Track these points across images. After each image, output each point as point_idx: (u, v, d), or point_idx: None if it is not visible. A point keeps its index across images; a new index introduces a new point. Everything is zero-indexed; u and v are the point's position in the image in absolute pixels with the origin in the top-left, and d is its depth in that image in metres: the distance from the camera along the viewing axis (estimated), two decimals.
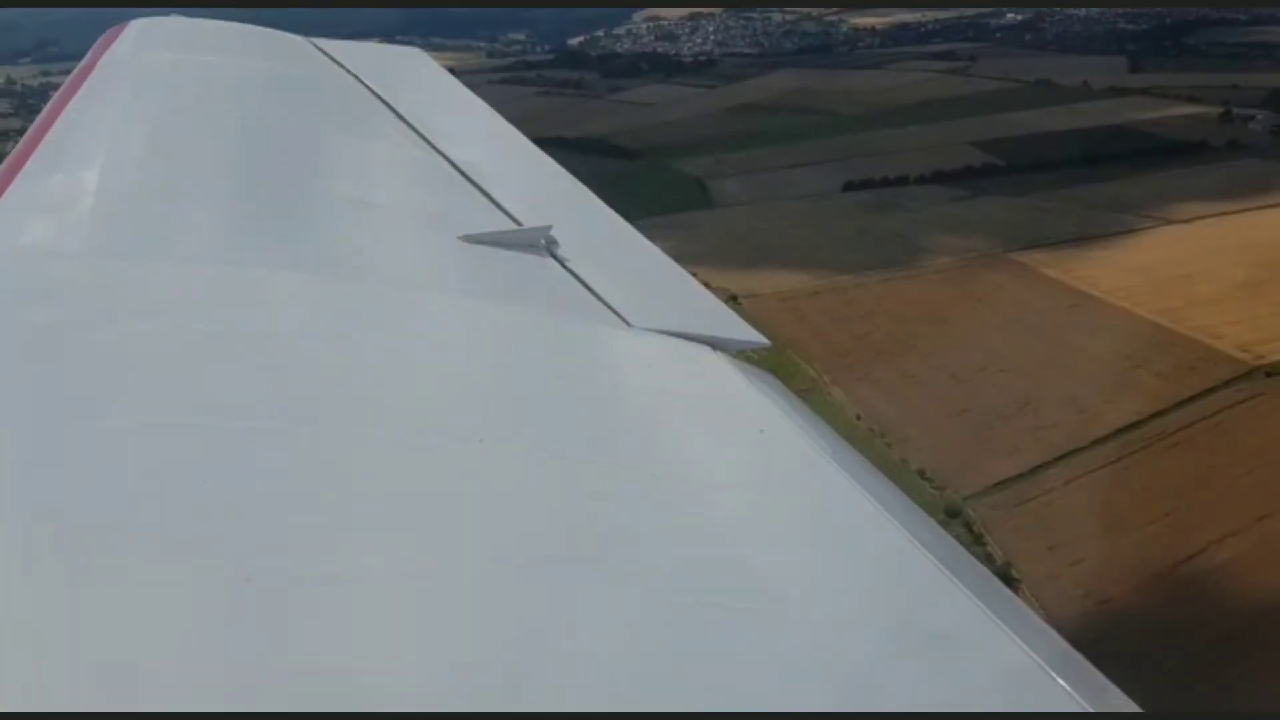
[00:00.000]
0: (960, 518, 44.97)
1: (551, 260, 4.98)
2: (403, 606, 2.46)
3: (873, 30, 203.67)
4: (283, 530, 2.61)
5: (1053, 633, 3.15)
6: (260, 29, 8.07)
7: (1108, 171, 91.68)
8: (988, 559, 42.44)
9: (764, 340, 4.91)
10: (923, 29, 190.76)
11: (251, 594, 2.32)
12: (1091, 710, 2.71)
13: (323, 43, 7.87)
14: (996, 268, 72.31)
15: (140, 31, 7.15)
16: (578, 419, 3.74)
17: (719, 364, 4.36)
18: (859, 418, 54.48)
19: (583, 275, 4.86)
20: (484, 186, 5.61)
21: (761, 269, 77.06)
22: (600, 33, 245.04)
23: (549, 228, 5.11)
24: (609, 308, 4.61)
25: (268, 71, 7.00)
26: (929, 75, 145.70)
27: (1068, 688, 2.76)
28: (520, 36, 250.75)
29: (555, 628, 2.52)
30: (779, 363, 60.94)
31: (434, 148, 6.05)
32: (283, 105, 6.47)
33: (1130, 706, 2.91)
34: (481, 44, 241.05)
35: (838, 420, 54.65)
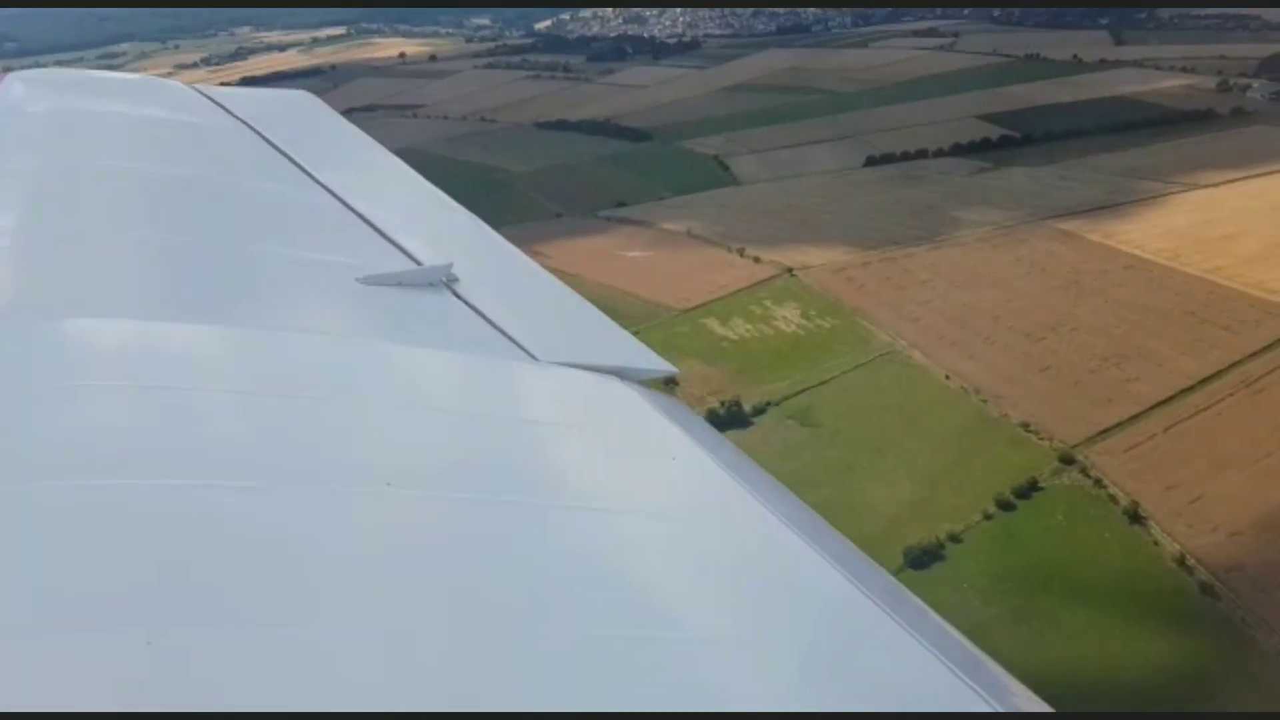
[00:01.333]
0: (1075, 465, 47.73)
1: (454, 298, 4.93)
2: (307, 656, 2.45)
3: (839, 9, 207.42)
4: (184, 589, 2.55)
5: (960, 638, 3.28)
6: (145, 78, 7.87)
7: (1120, 141, 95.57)
8: (1111, 500, 45.35)
9: (672, 369, 4.95)
10: (888, 8, 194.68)
11: (152, 657, 2.27)
12: (1001, 710, 2.81)
13: (209, 89, 7.73)
14: (1040, 235, 75.40)
15: (19, 85, 7.06)
16: (486, 457, 3.73)
17: (628, 394, 4.36)
18: (948, 377, 57.03)
19: (486, 312, 4.81)
20: (381, 228, 5.55)
21: (806, 243, 79.31)
22: (566, 15, 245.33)
23: (449, 265, 5.06)
24: (514, 343, 4.58)
25: (154, 121, 6.84)
26: (916, 53, 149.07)
27: (978, 690, 2.86)
28: (486, 21, 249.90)
29: (468, 667, 2.54)
30: (851, 329, 63.50)
31: (329, 191, 5.96)
32: (170, 155, 6.29)
33: (1040, 706, 3.03)
34: (449, 30, 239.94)
35: (927, 382, 57.32)
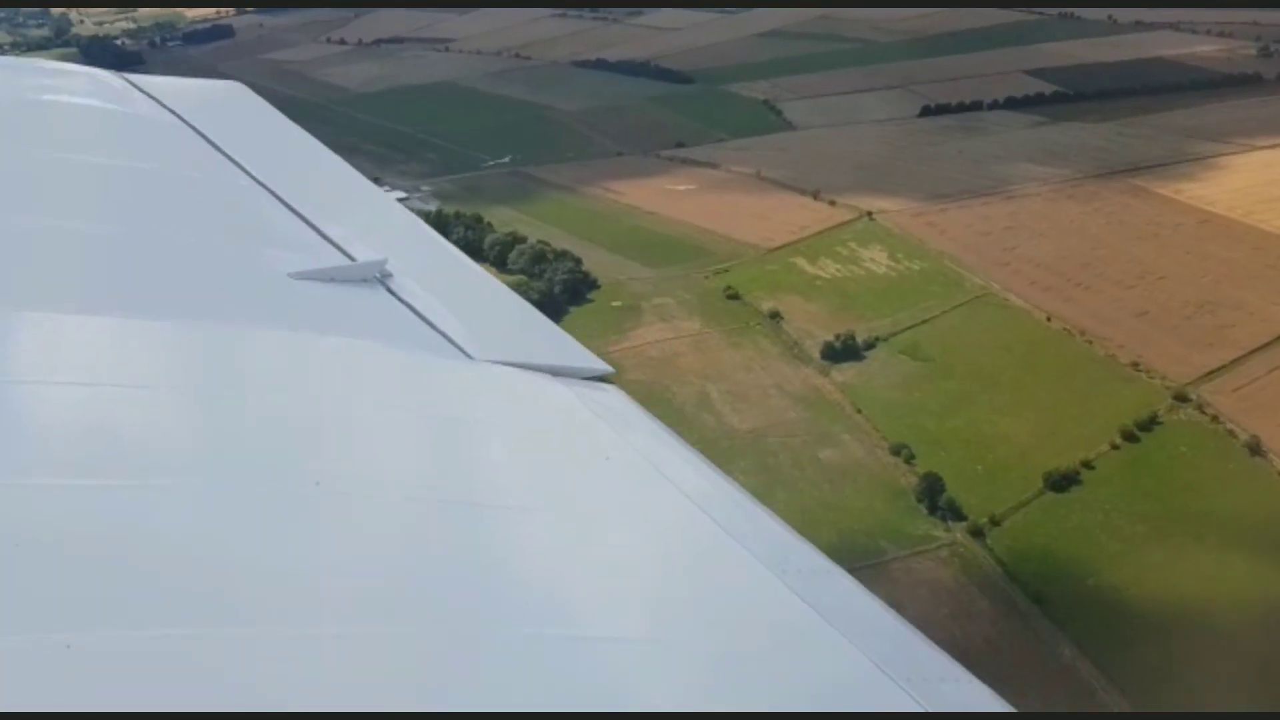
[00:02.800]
0: (1190, 402, 51.16)
1: (387, 294, 4.88)
2: (232, 661, 2.46)
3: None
4: (102, 591, 2.56)
5: (903, 628, 3.36)
6: (75, 67, 7.60)
7: (1170, 101, 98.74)
8: (1229, 434, 48.86)
9: (607, 367, 4.90)
10: None
11: (71, 660, 2.29)
12: (930, 710, 2.89)
13: (139, 79, 7.53)
14: (1111, 189, 78.50)
15: None
16: (417, 456, 3.72)
17: (563, 393, 4.36)
18: (1049, 319, 60.15)
19: (420, 309, 4.77)
20: (314, 222, 5.46)
21: (877, 188, 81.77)
22: None
23: (384, 261, 5.01)
24: (449, 340, 4.55)
25: (81, 111, 6.71)
26: (948, 8, 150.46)
27: (904, 687, 2.95)
28: None
29: (398, 668, 2.59)
30: (941, 271, 66.31)
31: (260, 184, 5.85)
32: (98, 146, 6.17)
33: (982, 694, 3.10)
34: None
35: (1029, 324, 60.37)
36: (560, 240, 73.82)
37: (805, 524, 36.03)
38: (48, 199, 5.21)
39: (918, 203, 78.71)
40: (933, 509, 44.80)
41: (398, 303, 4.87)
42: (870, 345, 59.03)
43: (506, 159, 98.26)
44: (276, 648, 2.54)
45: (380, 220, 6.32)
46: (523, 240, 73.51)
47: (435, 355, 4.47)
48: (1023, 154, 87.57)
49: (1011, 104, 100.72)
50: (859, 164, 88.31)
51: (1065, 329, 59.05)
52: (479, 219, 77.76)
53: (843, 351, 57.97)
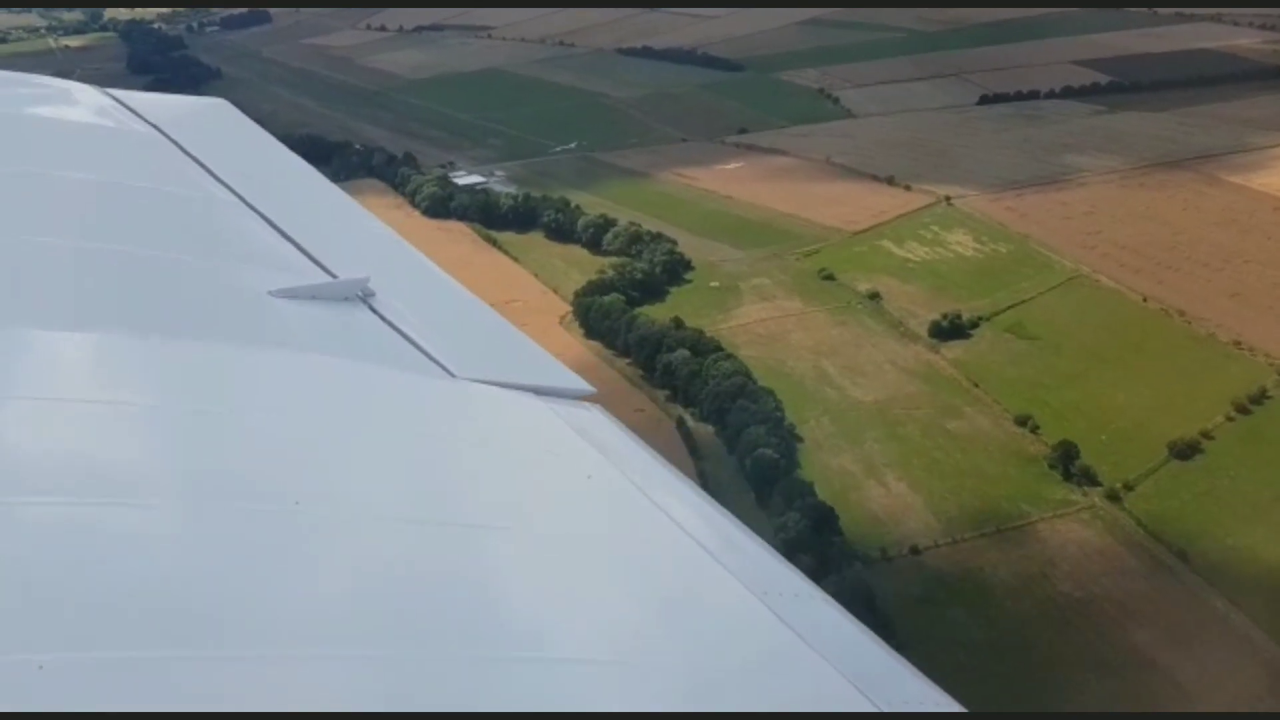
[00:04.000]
0: None
1: (369, 312, 4.92)
2: (204, 682, 2.50)
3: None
4: (78, 616, 2.59)
5: (884, 652, 3.42)
6: (59, 82, 7.52)
7: (1223, 92, 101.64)
8: None
9: (589, 388, 4.97)
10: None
11: (44, 681, 2.33)
12: None
13: (123, 94, 7.52)
14: (1181, 177, 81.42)
15: None
16: (399, 475, 3.82)
17: (545, 413, 4.43)
18: (1145, 300, 63.02)
19: (402, 327, 4.82)
20: (296, 239, 5.50)
21: (948, 174, 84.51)
22: None
23: (366, 279, 5.06)
24: (431, 359, 4.60)
25: (65, 126, 6.73)
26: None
27: (883, 710, 3.01)
28: None
29: (368, 689, 2.64)
30: (1028, 255, 69.11)
31: (243, 201, 5.90)
32: (81, 161, 6.21)
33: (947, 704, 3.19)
34: None
35: (1124, 304, 63.20)
36: (644, 224, 76.19)
37: (947, 490, 39.36)
38: (28, 214, 5.20)
39: (992, 189, 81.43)
40: (1067, 475, 47.57)
41: (380, 321, 4.89)
42: (974, 324, 61.75)
43: (573, 145, 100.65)
44: (248, 668, 2.56)
45: (363, 238, 6.33)
46: (614, 223, 75.82)
47: (417, 373, 4.49)
48: (1088, 142, 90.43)
49: (1068, 93, 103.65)
50: (927, 150, 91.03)
51: (1162, 309, 61.86)
52: (566, 203, 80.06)
53: (950, 330, 60.70)
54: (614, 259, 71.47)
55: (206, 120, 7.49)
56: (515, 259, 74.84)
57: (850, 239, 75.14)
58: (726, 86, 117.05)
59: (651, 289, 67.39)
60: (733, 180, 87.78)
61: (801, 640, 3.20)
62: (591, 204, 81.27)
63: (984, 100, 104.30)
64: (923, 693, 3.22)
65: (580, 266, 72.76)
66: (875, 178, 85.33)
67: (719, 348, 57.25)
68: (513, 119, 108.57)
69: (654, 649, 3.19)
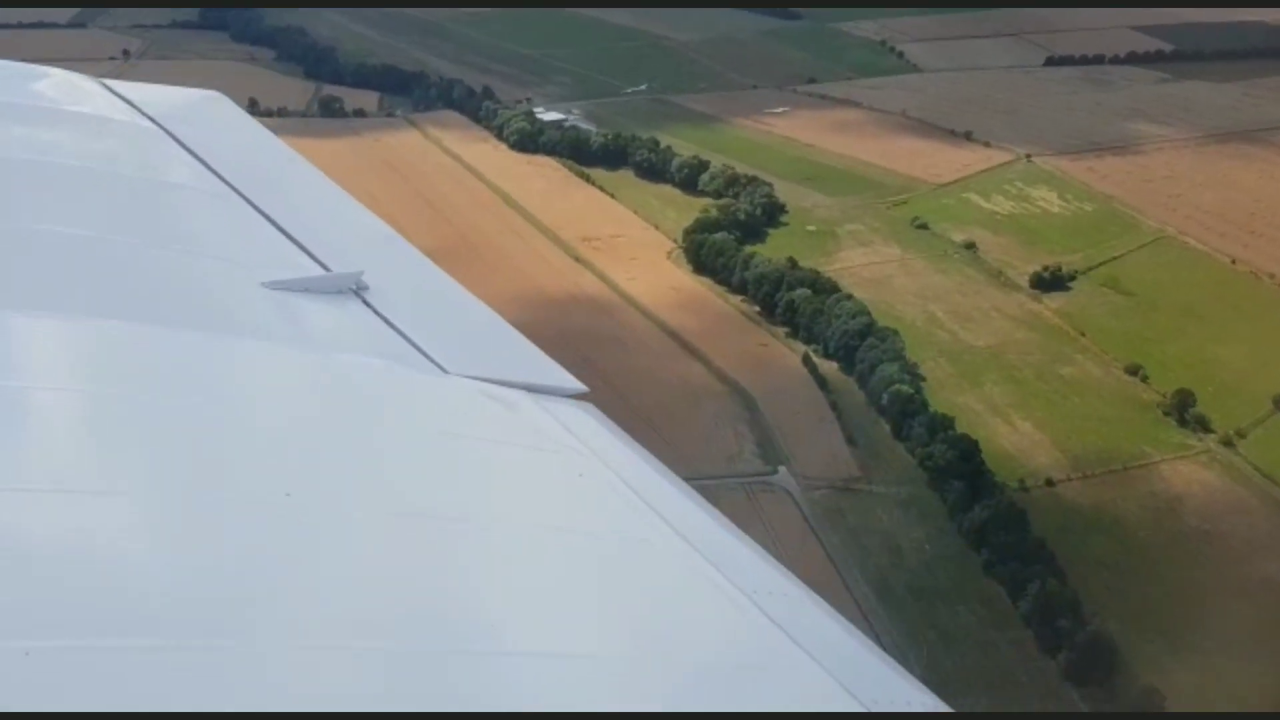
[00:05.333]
0: None
1: (363, 306, 4.99)
2: (188, 672, 2.51)
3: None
4: (65, 603, 2.62)
5: (871, 654, 3.47)
6: (53, 71, 7.61)
7: None
8: None
9: (581, 386, 4.99)
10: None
11: (30, 666, 2.36)
12: None
13: (117, 85, 7.60)
14: (1256, 145, 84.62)
15: None
16: (390, 469, 3.85)
17: (537, 410, 4.50)
18: (1233, 261, 66.38)
19: (396, 321, 4.89)
20: (290, 232, 5.56)
21: (1027, 134, 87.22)
22: None
23: (360, 273, 5.13)
24: (423, 354, 4.66)
25: (59, 115, 6.80)
26: None
27: (870, 709, 3.05)
28: None
29: (372, 682, 2.68)
30: (1113, 214, 72.26)
31: (238, 193, 5.95)
32: (76, 151, 6.26)
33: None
34: None
35: (1213, 265, 66.53)
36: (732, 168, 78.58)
37: (1070, 430, 43.67)
38: (20, 203, 5.21)
39: (1069, 149, 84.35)
40: (1182, 421, 51.07)
41: (373, 314, 4.92)
42: (1072, 277, 64.97)
43: (643, 86, 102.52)
44: (236, 658, 2.63)
45: (357, 231, 6.35)
46: (706, 165, 78.23)
47: (410, 368, 4.52)
48: (1157, 109, 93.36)
49: (1133, 59, 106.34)
50: (999, 108, 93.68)
51: (1251, 272, 65.26)
52: (656, 143, 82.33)
53: (1051, 281, 63.90)
54: (713, 200, 73.93)
55: (202, 112, 7.50)
56: (611, 195, 77.16)
57: (936, 190, 77.96)
58: (786, 34, 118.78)
59: (752, 230, 70.09)
60: (811, 126, 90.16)
61: (790, 639, 3.27)
62: (674, 146, 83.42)
63: (1049, 62, 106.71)
64: (909, 693, 3.27)
65: (675, 205, 75.35)
66: (953, 132, 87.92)
67: (836, 288, 60.17)
68: (575, 57, 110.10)
69: (642, 646, 3.25)
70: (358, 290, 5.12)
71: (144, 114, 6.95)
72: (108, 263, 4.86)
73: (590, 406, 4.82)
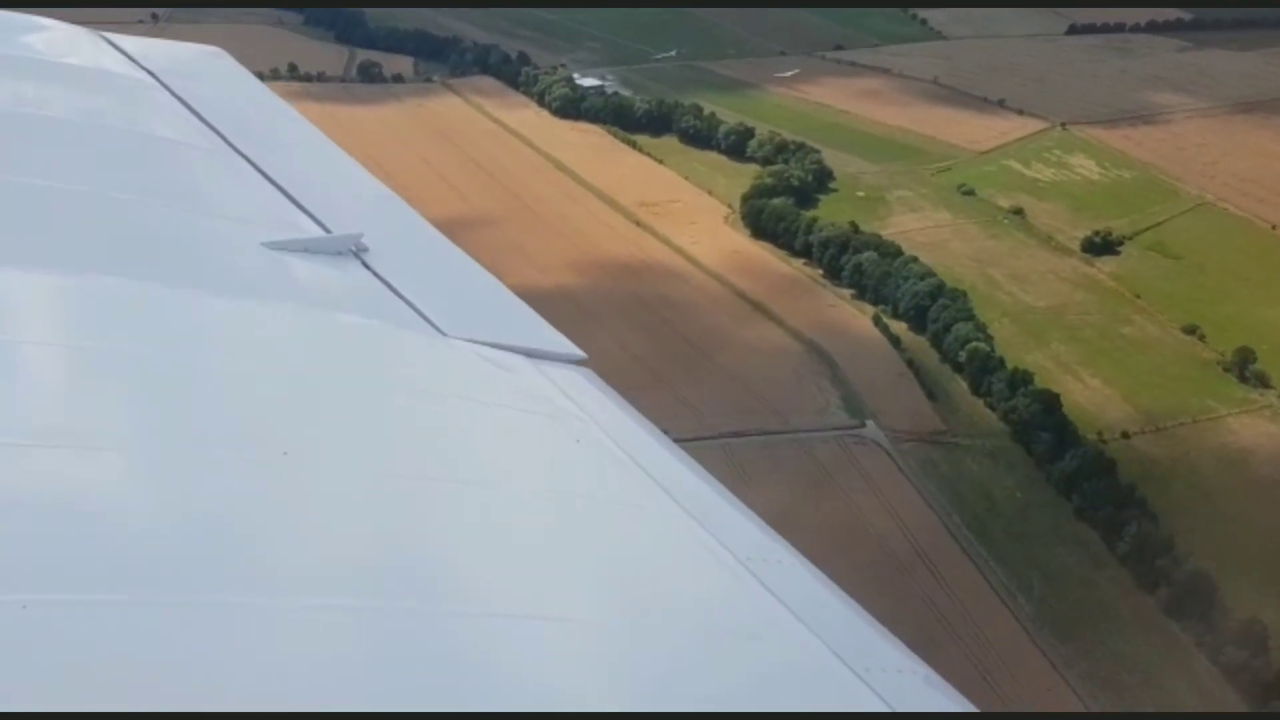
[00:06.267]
0: None
1: (362, 267, 5.00)
2: (183, 627, 2.55)
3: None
4: (63, 557, 2.65)
5: (863, 621, 3.45)
6: (51, 22, 7.42)
7: None
8: None
9: (580, 353, 4.98)
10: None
11: (28, 619, 2.41)
12: (890, 710, 2.97)
13: (117, 38, 7.46)
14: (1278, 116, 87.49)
15: None
16: (387, 430, 3.88)
17: (535, 375, 4.52)
18: (1275, 228, 69.34)
19: (395, 283, 4.89)
20: (291, 192, 5.57)
21: (1055, 101, 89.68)
22: None
23: (359, 235, 5.14)
24: (422, 316, 4.67)
25: (58, 68, 6.74)
26: None
27: (861, 677, 3.05)
28: None
29: (361, 641, 2.72)
30: (1151, 181, 75.06)
31: (238, 152, 5.92)
32: (74, 105, 6.24)
33: (961, 703, 3.20)
34: None
35: (1254, 231, 69.47)
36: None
37: (1137, 385, 47.60)
38: (16, 156, 5.21)
39: (1101, 117, 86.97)
40: (1242, 378, 54.02)
41: (372, 276, 4.94)
42: (1119, 242, 67.68)
43: (672, 52, 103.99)
44: (231, 614, 2.66)
45: (357, 193, 6.37)
46: (752, 132, 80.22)
47: (408, 330, 4.57)
48: (1182, 78, 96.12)
49: (1153, 28, 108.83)
50: (1027, 76, 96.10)
51: None
52: (699, 109, 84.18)
53: (1101, 246, 66.61)
54: (761, 166, 75.95)
55: (204, 69, 7.45)
56: (659, 161, 79.06)
57: (977, 158, 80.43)
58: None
59: (804, 196, 72.28)
60: (843, 93, 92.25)
61: (782, 605, 3.31)
62: (713, 113, 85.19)
63: (1071, 30, 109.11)
64: (899, 659, 3.29)
65: (724, 171, 77.41)
66: (985, 100, 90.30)
67: (900, 251, 62.58)
68: (601, 23, 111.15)
69: (634, 610, 3.30)
70: (357, 252, 5.13)
71: (142, 67, 6.90)
72: (104, 219, 4.87)
73: (588, 372, 4.83)
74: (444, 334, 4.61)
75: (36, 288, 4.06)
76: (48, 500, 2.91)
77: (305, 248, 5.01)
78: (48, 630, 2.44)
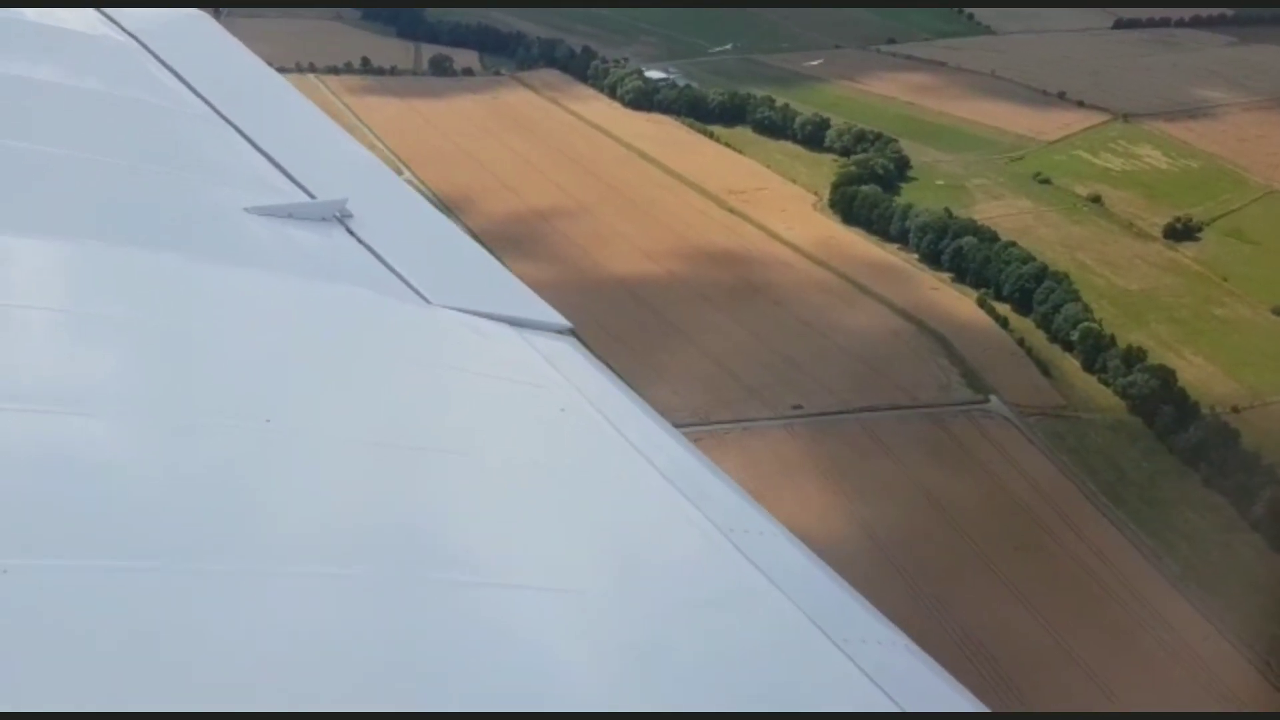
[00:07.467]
0: None
1: (346, 234, 4.99)
2: (162, 594, 2.56)
3: None
4: (42, 523, 2.67)
5: (839, 589, 3.51)
6: None
7: None
8: None
9: (565, 322, 4.96)
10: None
11: (5, 584, 2.41)
12: (874, 677, 3.01)
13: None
14: None
15: None
16: (369, 397, 3.89)
17: (519, 344, 4.51)
18: None
19: (379, 250, 4.88)
20: (274, 157, 5.54)
21: (1113, 94, 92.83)
22: None
23: (344, 201, 5.12)
24: (406, 284, 4.65)
25: (38, 29, 6.68)
26: None
27: (843, 649, 3.08)
28: None
29: (345, 607, 2.73)
30: (1218, 170, 78.19)
31: (220, 115, 5.90)
32: (53, 66, 6.21)
33: (930, 662, 3.25)
34: None
35: None
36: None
37: (1238, 362, 51.98)
38: None
39: (1160, 109, 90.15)
40: None
41: (356, 243, 4.95)
42: (1198, 228, 70.76)
43: (729, 46, 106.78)
44: (213, 581, 2.67)
45: (341, 159, 6.39)
46: (828, 123, 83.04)
47: (392, 297, 4.55)
48: (1232, 72, 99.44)
49: (1197, 23, 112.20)
50: (1081, 69, 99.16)
51: None
52: (771, 100, 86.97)
53: (1182, 232, 69.67)
54: (849, 156, 78.75)
55: (186, 32, 7.41)
56: (739, 151, 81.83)
57: (1046, 148, 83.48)
58: None
59: (887, 184, 75.10)
60: (904, 88, 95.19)
61: (764, 576, 3.33)
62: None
63: (1118, 25, 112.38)
64: (878, 630, 3.34)
65: (802, 161, 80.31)
66: (1046, 93, 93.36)
67: (996, 237, 65.47)
68: (654, 18, 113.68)
69: (615, 580, 3.32)
70: (341, 218, 5.11)
71: (126, 31, 6.83)
72: (84, 183, 4.85)
73: (574, 342, 4.84)
74: (429, 302, 4.61)
75: (14, 251, 4.05)
76: (26, 465, 2.92)
77: (289, 213, 5.01)
78: (25, 595, 2.44)
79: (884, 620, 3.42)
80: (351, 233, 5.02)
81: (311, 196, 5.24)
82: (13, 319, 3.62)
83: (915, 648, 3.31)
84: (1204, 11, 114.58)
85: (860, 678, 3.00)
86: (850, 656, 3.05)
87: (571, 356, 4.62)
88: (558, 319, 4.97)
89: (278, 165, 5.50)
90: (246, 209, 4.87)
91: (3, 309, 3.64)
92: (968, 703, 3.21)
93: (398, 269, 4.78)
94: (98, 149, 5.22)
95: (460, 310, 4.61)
